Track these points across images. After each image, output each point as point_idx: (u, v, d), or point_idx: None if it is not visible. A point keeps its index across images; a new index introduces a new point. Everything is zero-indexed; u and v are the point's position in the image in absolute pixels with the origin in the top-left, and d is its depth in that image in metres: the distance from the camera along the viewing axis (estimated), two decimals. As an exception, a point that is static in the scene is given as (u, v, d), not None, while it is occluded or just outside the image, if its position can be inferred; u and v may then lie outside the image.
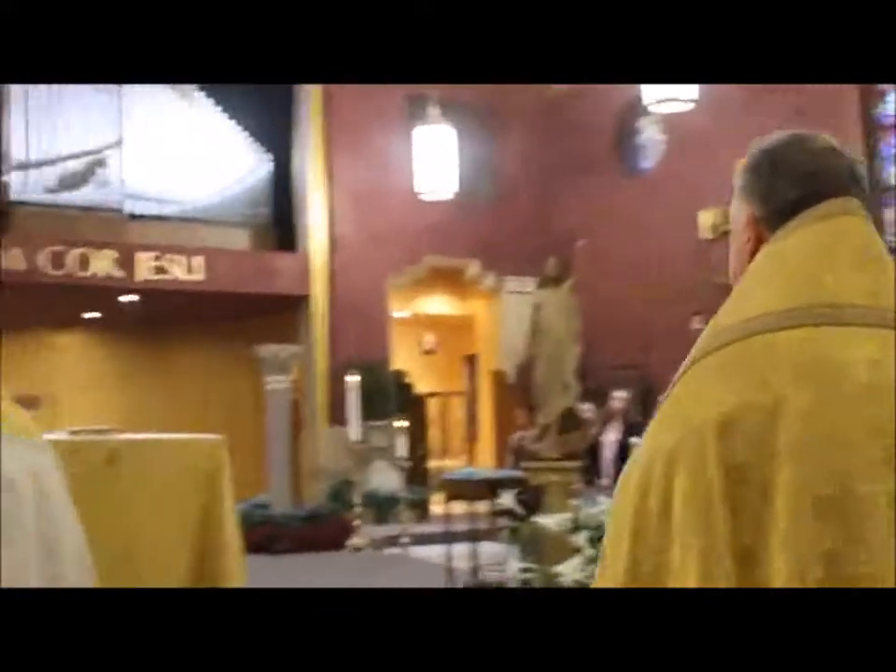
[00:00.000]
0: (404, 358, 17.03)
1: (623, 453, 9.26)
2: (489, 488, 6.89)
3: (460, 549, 7.50)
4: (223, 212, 15.40)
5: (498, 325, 16.46)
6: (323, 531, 12.30)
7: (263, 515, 12.43)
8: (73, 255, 13.66)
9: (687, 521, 1.37)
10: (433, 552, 11.46)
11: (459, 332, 18.63)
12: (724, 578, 1.35)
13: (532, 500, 6.71)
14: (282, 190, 15.49)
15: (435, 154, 14.12)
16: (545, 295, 8.90)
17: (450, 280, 16.50)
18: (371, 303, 15.10)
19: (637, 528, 1.45)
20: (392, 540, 12.30)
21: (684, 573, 1.38)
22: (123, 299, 14.50)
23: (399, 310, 16.47)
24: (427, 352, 19.66)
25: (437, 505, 15.94)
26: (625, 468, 1.52)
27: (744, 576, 1.35)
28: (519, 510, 4.64)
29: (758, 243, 1.59)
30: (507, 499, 4.84)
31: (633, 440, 9.33)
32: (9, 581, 1.76)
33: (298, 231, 15.42)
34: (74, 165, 14.60)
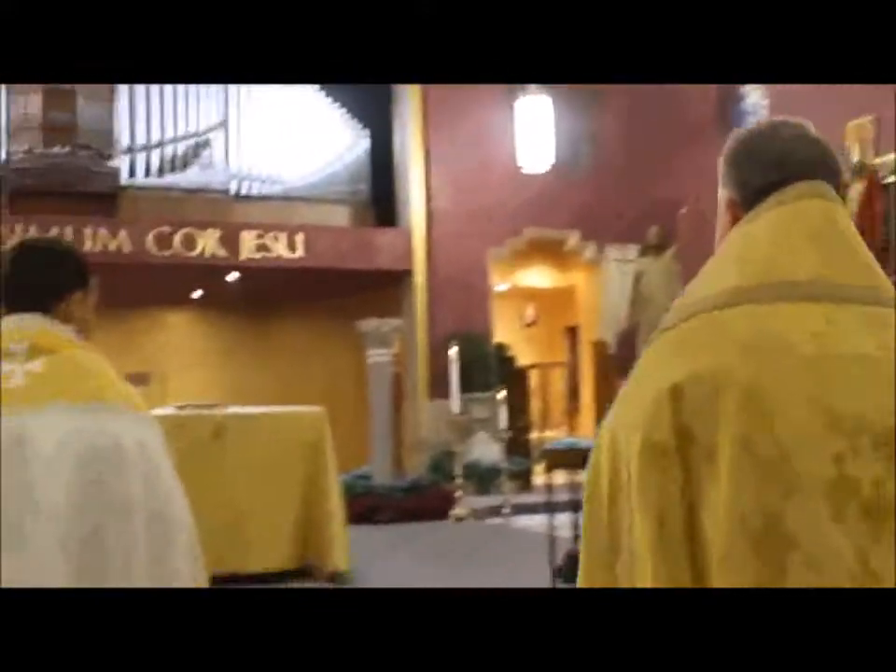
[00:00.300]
0: (505, 331, 17.06)
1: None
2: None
3: (562, 518, 7.53)
4: (324, 189, 15.59)
5: (599, 295, 16.38)
6: (424, 502, 12.42)
7: (365, 486, 12.61)
8: (179, 235, 13.98)
9: (643, 476, 1.48)
10: (535, 521, 11.51)
11: (560, 304, 18.58)
12: (676, 529, 1.46)
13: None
14: (381, 167, 15.62)
15: (534, 125, 14.08)
16: (647, 263, 8.86)
17: (550, 252, 16.44)
18: (471, 277, 15.15)
19: (594, 494, 1.58)
20: (494, 511, 12.38)
21: (638, 533, 1.50)
22: (228, 277, 14.80)
23: (500, 283, 16.49)
24: (528, 324, 19.67)
25: (538, 476, 16.00)
26: (597, 431, 1.63)
27: (693, 535, 1.47)
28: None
29: (735, 225, 1.71)
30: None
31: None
32: (123, 549, 1.90)
33: (397, 206, 15.54)
34: (179, 148, 14.93)
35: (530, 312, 19.63)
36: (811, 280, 1.55)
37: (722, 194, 1.77)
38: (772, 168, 1.67)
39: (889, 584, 1.44)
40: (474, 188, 15.09)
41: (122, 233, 13.79)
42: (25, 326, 2.00)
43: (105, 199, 14.52)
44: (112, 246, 13.72)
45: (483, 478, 13.70)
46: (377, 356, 13.82)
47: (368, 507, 12.10)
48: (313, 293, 16.23)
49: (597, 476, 1.57)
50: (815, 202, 1.63)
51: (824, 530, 1.43)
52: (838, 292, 1.54)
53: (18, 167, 14.24)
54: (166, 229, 13.94)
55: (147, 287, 15.38)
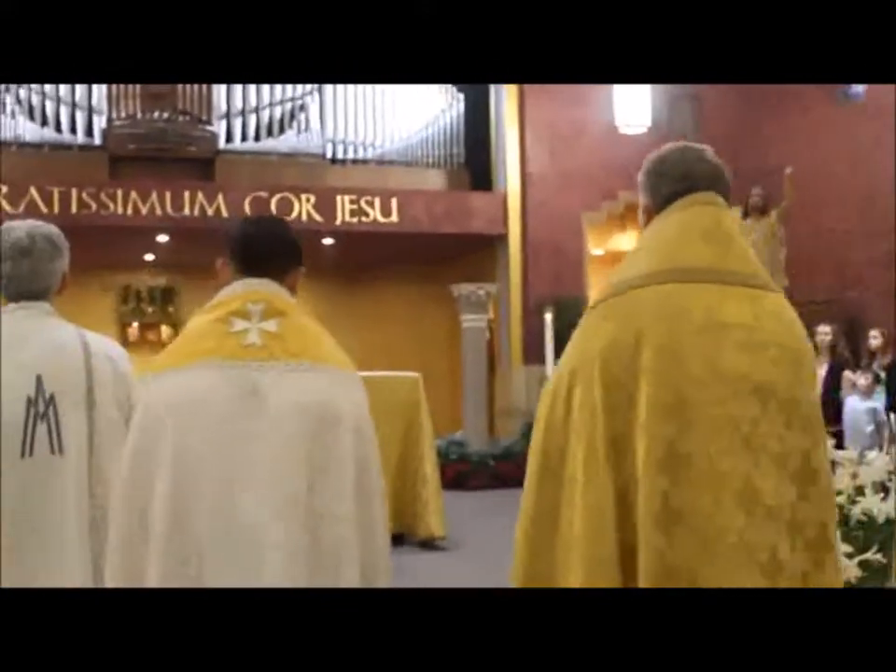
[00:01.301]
0: (600, 296, 16.87)
1: (833, 388, 8.91)
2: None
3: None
4: (418, 153, 15.56)
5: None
6: (517, 468, 12.37)
7: (459, 452, 12.64)
8: (275, 200, 14.08)
9: (580, 419, 1.99)
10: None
11: (656, 269, 18.32)
12: (601, 457, 1.96)
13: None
14: (476, 130, 15.51)
15: (631, 86, 13.84)
16: (750, 226, 8.65)
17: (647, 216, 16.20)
18: (566, 241, 15.01)
19: (548, 427, 2.07)
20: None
21: (575, 458, 2.00)
22: (324, 242, 14.88)
23: (595, 247, 16.31)
24: (623, 289, 19.43)
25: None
26: (545, 385, 2.13)
27: (616, 458, 1.96)
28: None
29: (648, 225, 2.23)
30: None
31: (846, 374, 8.99)
32: (336, 498, 2.07)
33: (492, 169, 15.43)
34: (276, 112, 15.02)
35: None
36: (704, 267, 2.06)
37: (641, 200, 2.27)
38: (678, 181, 2.20)
39: (770, 501, 1.93)
40: (570, 150, 14.91)
41: (220, 198, 13.93)
42: (262, 289, 2.19)
43: (203, 164, 14.69)
44: (210, 211, 13.88)
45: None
46: (471, 321, 13.79)
47: (461, 473, 12.12)
48: (407, 258, 16.25)
49: (551, 413, 2.06)
50: (708, 208, 2.17)
51: (713, 456, 1.92)
52: (724, 277, 2.06)
53: (118, 133, 14.46)
54: (263, 194, 14.05)
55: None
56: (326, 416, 2.10)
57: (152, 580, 2.03)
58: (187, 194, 13.82)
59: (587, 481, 1.96)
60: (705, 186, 2.20)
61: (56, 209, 13.34)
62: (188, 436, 2.05)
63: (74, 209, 13.43)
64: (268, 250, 2.27)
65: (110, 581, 2.11)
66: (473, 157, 15.65)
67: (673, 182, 2.22)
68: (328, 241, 14.90)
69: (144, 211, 13.65)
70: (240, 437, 2.05)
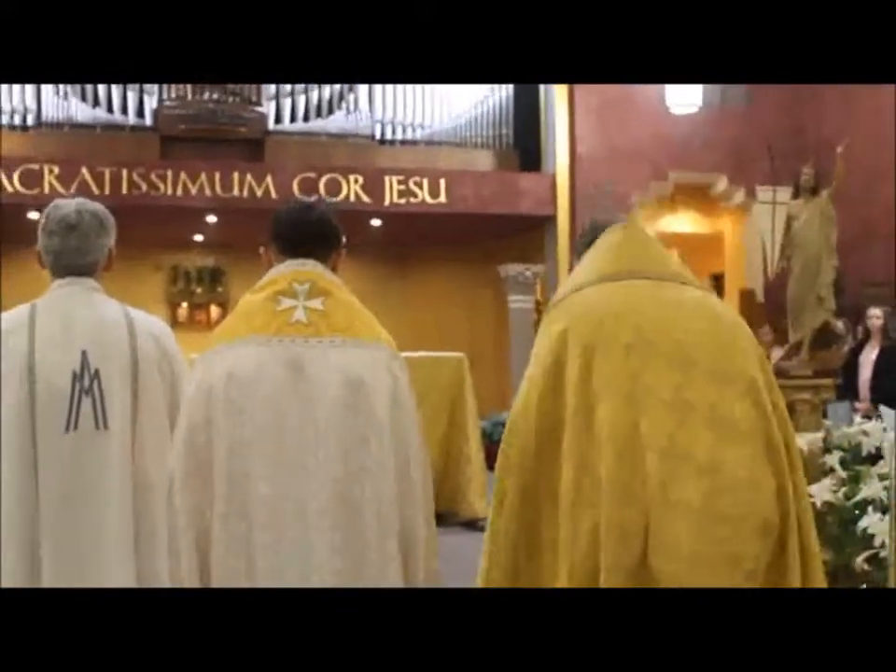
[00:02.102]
0: (649, 278, 16.75)
1: (883, 372, 8.79)
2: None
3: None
4: (467, 134, 15.52)
5: (747, 241, 15.94)
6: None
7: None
8: (324, 181, 14.11)
9: (544, 387, 2.29)
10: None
11: (706, 251, 18.15)
12: (580, 412, 2.21)
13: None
14: (525, 110, 15.43)
15: (681, 66, 13.68)
16: (800, 205, 8.53)
17: (696, 197, 16.05)
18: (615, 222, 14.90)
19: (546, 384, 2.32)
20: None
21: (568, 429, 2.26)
22: (372, 223, 14.89)
23: (645, 228, 16.18)
24: (673, 271, 19.27)
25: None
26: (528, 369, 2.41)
27: (585, 416, 2.23)
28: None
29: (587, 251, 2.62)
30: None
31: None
32: (372, 473, 2.18)
33: (541, 150, 15.36)
34: (324, 93, 15.04)
35: (675, 258, 19.22)
36: (644, 271, 2.43)
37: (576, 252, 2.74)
38: (598, 228, 2.62)
39: (701, 457, 2.15)
40: (619, 130, 14.80)
41: (268, 179, 13.99)
42: (307, 269, 2.33)
43: (252, 144, 14.75)
44: (259, 192, 13.94)
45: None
46: (519, 302, 13.77)
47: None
48: (455, 238, 16.23)
49: (539, 384, 2.32)
50: (639, 232, 2.60)
51: (627, 415, 2.20)
52: (645, 275, 2.42)
53: (169, 114, 14.55)
54: (311, 174, 14.08)
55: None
56: (367, 390, 2.23)
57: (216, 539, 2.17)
58: (236, 175, 13.89)
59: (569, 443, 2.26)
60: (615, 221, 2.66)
61: (107, 189, 13.46)
62: (239, 409, 2.18)
63: (125, 189, 13.54)
64: (310, 233, 2.39)
65: (183, 544, 2.20)
66: (522, 138, 15.58)
67: (594, 230, 2.66)
68: (376, 222, 14.90)
69: (193, 191, 13.74)
70: (287, 409, 2.18)
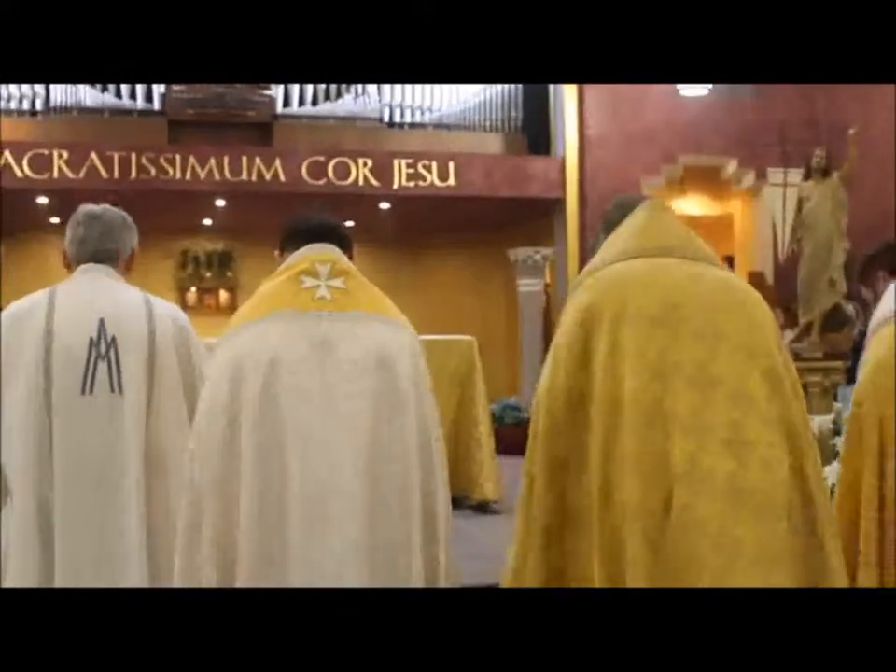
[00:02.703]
0: (658, 261, 16.72)
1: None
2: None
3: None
4: (476, 117, 15.48)
5: (757, 224, 15.90)
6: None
7: (515, 417, 12.62)
8: (333, 164, 14.09)
9: (567, 359, 2.31)
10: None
11: (716, 234, 18.09)
12: (608, 385, 2.25)
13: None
14: (534, 93, 15.38)
15: (691, 49, 13.61)
16: (811, 187, 8.49)
17: (706, 180, 16.00)
18: (624, 205, 14.85)
19: (556, 369, 2.36)
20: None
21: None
22: (381, 206, 14.87)
23: (653, 211, 16.14)
24: (682, 254, 19.23)
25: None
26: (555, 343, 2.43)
27: (613, 389, 2.26)
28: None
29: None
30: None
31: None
32: (397, 445, 2.24)
33: (551, 134, 15.31)
34: (332, 76, 14.99)
35: (701, 240, 19.16)
36: (657, 247, 2.48)
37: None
38: (626, 206, 2.63)
39: (719, 437, 2.18)
40: (629, 113, 14.74)
41: (277, 163, 13.97)
42: (327, 251, 2.41)
43: (260, 128, 14.73)
44: (268, 176, 13.92)
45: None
46: (528, 285, 13.74)
47: (516, 437, 12.09)
48: (464, 222, 16.20)
49: (562, 359, 2.36)
50: (666, 212, 2.64)
51: (652, 389, 2.22)
52: (673, 253, 2.47)
53: (177, 98, 14.54)
54: (320, 158, 14.06)
55: (301, 215, 15.58)
56: (392, 366, 2.29)
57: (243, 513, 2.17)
58: (244, 159, 13.87)
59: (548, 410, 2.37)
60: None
61: (116, 174, 13.47)
62: (265, 381, 2.21)
63: (133, 174, 13.54)
64: (326, 230, 2.49)
65: (206, 518, 2.22)
66: (531, 121, 15.53)
67: (622, 211, 2.68)
68: (384, 205, 14.89)
69: (202, 176, 13.73)
70: (313, 381, 2.23)
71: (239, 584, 2.17)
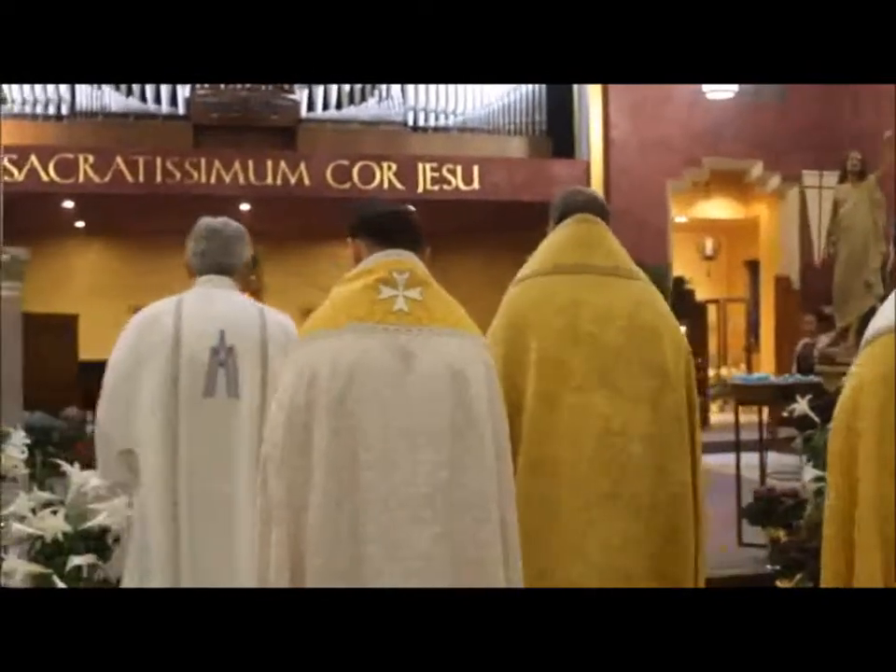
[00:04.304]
0: (684, 264, 16.67)
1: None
2: (782, 394, 6.63)
3: (748, 458, 7.25)
4: (500, 121, 15.45)
5: (783, 228, 15.80)
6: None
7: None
8: (357, 168, 14.08)
9: (518, 374, 2.93)
10: (713, 460, 11.24)
11: (741, 237, 18.02)
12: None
13: (827, 407, 6.42)
14: (558, 96, 15.33)
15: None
16: (847, 190, 8.40)
17: (731, 183, 15.92)
18: (649, 208, 14.78)
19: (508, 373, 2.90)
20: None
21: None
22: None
23: (679, 214, 16.08)
24: (708, 258, 19.16)
25: (714, 414, 15.66)
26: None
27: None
28: (814, 416, 4.48)
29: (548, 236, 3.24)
30: (802, 406, 4.66)
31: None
32: (475, 454, 2.26)
33: (575, 137, 15.26)
34: (356, 80, 15.01)
35: (710, 245, 19.10)
36: (576, 262, 3.06)
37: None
38: (567, 209, 3.20)
39: (614, 424, 2.92)
40: (654, 116, 14.68)
41: (302, 167, 13.98)
42: (405, 259, 2.38)
43: (284, 132, 14.74)
44: (292, 180, 13.93)
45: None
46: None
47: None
48: (488, 225, 16.16)
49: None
50: (592, 224, 3.17)
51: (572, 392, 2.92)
52: (592, 269, 3.06)
53: (202, 102, 14.57)
54: (344, 162, 14.06)
55: (326, 220, 15.59)
56: (468, 380, 2.29)
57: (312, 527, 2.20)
58: (269, 163, 13.89)
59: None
60: (586, 211, 3.17)
61: (141, 178, 13.51)
62: (341, 391, 2.21)
63: (158, 178, 13.58)
64: (404, 229, 2.45)
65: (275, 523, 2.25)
66: (555, 124, 15.48)
67: (565, 209, 3.21)
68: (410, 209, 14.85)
69: (227, 180, 13.76)
70: (394, 395, 2.24)
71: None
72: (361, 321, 2.28)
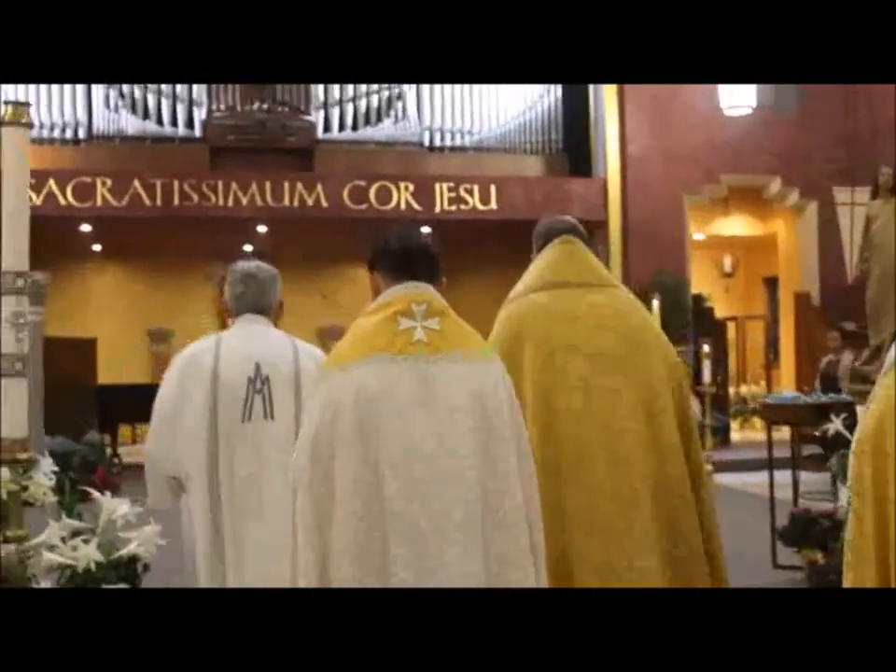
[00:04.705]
0: (702, 281, 16.60)
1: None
2: (817, 413, 6.53)
3: (781, 477, 7.15)
4: (516, 140, 15.44)
5: (802, 243, 15.72)
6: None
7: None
8: (374, 189, 14.08)
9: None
10: (736, 479, 11.15)
11: (759, 253, 17.94)
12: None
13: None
14: (574, 114, 15.33)
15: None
16: (879, 206, 8.31)
17: (750, 199, 15.86)
18: (667, 225, 14.74)
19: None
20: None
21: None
22: (423, 230, 14.84)
23: (696, 231, 16.02)
24: (726, 274, 19.08)
25: (735, 432, 15.56)
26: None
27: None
28: (848, 435, 4.42)
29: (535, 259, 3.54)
30: (837, 425, 4.59)
31: None
32: (505, 472, 2.36)
33: (591, 155, 15.23)
34: (373, 101, 15.02)
35: (728, 262, 19.02)
36: (576, 280, 3.34)
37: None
38: (550, 235, 3.46)
39: (620, 423, 3.14)
40: (671, 132, 14.65)
41: (319, 188, 13.99)
42: (422, 291, 2.49)
43: (301, 154, 14.77)
44: (310, 201, 13.94)
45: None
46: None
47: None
48: (506, 244, 16.12)
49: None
50: (573, 245, 3.43)
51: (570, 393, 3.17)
52: (578, 284, 3.33)
53: (218, 125, 14.61)
54: (361, 182, 14.06)
55: (342, 241, 15.60)
56: (489, 404, 2.40)
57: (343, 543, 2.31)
58: (286, 184, 13.91)
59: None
60: (567, 234, 3.44)
61: (158, 201, 13.54)
62: (369, 424, 2.32)
63: (176, 201, 13.61)
64: (420, 261, 2.55)
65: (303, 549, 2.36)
66: (572, 142, 15.47)
67: (548, 235, 3.47)
68: (425, 229, 14.83)
69: (244, 202, 13.77)
70: (416, 424, 2.34)
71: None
72: (383, 352, 2.39)
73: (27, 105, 2.89)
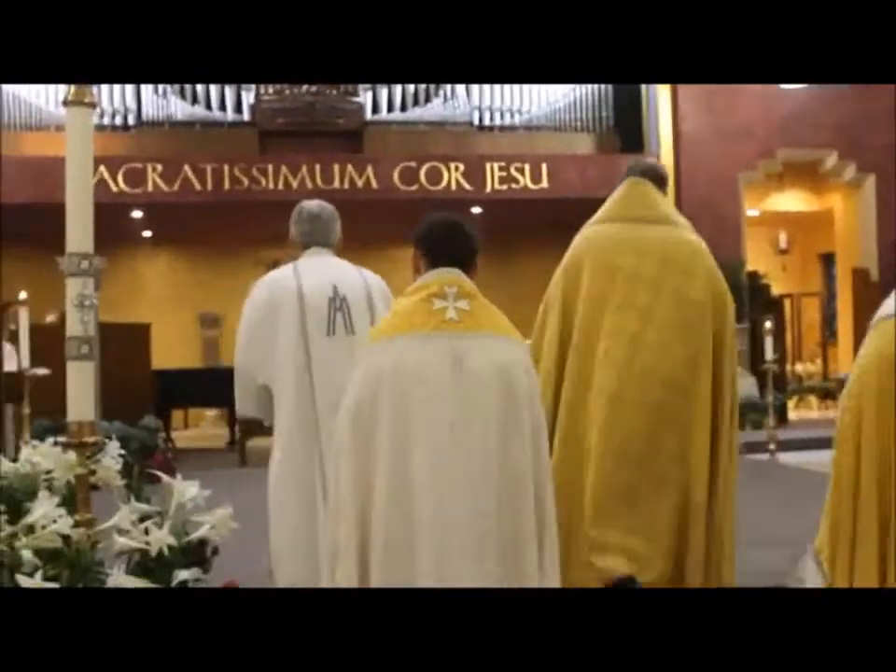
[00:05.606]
0: (757, 258, 16.37)
1: None
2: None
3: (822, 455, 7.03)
4: (567, 117, 15.29)
5: (859, 218, 15.44)
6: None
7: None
8: (424, 169, 14.00)
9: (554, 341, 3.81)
10: (795, 458, 10.99)
11: (814, 229, 17.66)
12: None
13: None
14: (625, 90, 15.13)
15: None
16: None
17: (805, 174, 15.60)
18: (721, 201, 14.53)
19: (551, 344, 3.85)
20: (752, 447, 11.86)
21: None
22: (473, 210, 14.75)
23: (752, 208, 15.79)
24: (782, 251, 18.81)
25: (791, 410, 15.36)
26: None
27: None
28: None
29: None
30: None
31: None
32: (519, 451, 2.62)
33: (643, 131, 15.04)
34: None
35: (783, 238, 18.74)
36: (622, 214, 3.76)
37: None
38: (626, 175, 3.85)
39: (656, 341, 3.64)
40: (724, 108, 14.43)
41: (369, 169, 13.93)
42: (453, 276, 2.76)
43: (351, 136, 14.72)
44: (360, 183, 13.89)
45: (739, 413, 13.17)
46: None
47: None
48: (558, 224, 15.98)
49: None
50: (640, 185, 3.79)
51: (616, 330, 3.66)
52: (636, 219, 3.73)
53: (267, 108, 14.60)
54: (412, 163, 13.99)
55: (393, 222, 15.54)
56: (514, 380, 2.68)
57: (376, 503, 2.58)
58: (336, 167, 13.87)
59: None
60: (640, 176, 3.82)
61: (209, 186, 13.56)
62: (405, 391, 2.61)
63: (226, 185, 13.62)
64: (458, 251, 2.83)
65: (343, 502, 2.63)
66: (622, 119, 15.30)
67: (627, 174, 3.87)
68: (476, 209, 14.75)
69: (294, 185, 13.76)
70: (448, 395, 2.62)
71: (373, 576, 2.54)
72: (418, 330, 2.68)
73: (89, 84, 2.85)
